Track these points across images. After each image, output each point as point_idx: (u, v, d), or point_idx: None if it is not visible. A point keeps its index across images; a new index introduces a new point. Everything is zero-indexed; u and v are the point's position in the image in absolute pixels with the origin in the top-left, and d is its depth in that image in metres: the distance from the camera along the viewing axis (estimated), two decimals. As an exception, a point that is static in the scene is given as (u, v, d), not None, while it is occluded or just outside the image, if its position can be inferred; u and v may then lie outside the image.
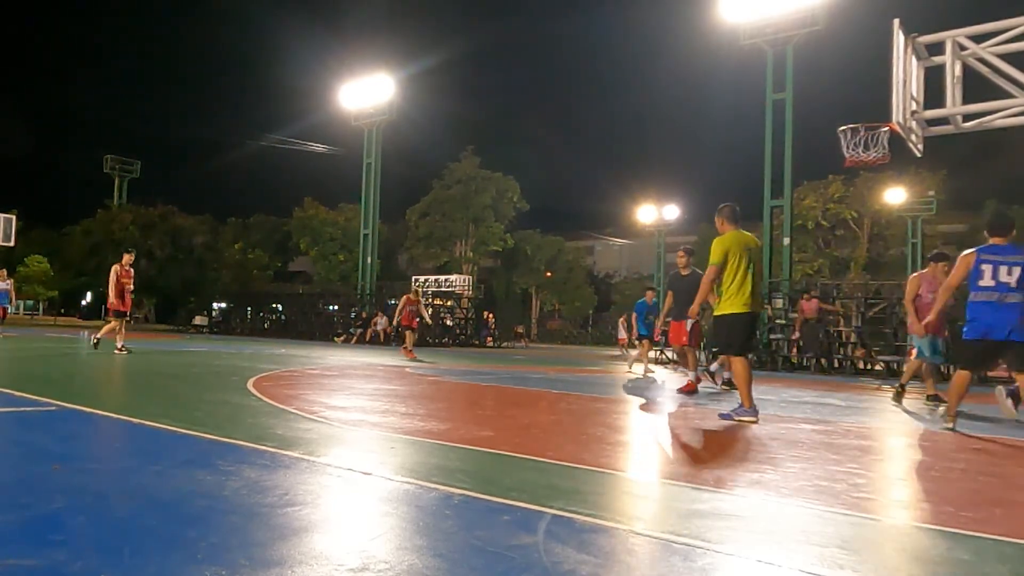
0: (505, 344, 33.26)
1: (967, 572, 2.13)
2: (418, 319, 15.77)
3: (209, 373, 8.52)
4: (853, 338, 17.56)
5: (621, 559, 2.09)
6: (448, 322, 30.17)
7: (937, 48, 8.90)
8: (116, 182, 47.75)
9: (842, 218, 43.80)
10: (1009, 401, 5.71)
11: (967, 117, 8.87)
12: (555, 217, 65.88)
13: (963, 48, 8.58)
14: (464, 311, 30.88)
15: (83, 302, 58.91)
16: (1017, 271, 5.32)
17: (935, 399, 7.95)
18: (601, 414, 6.03)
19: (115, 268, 11.42)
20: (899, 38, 8.82)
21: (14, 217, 24.41)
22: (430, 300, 30.96)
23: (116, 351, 10.88)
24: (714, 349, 6.09)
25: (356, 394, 6.75)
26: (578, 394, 7.85)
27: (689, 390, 8.22)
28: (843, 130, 10.19)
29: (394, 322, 16.70)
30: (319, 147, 52.44)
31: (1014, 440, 5.33)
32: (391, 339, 24.87)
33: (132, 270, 11.67)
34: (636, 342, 14.26)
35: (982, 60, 8.49)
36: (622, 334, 29.69)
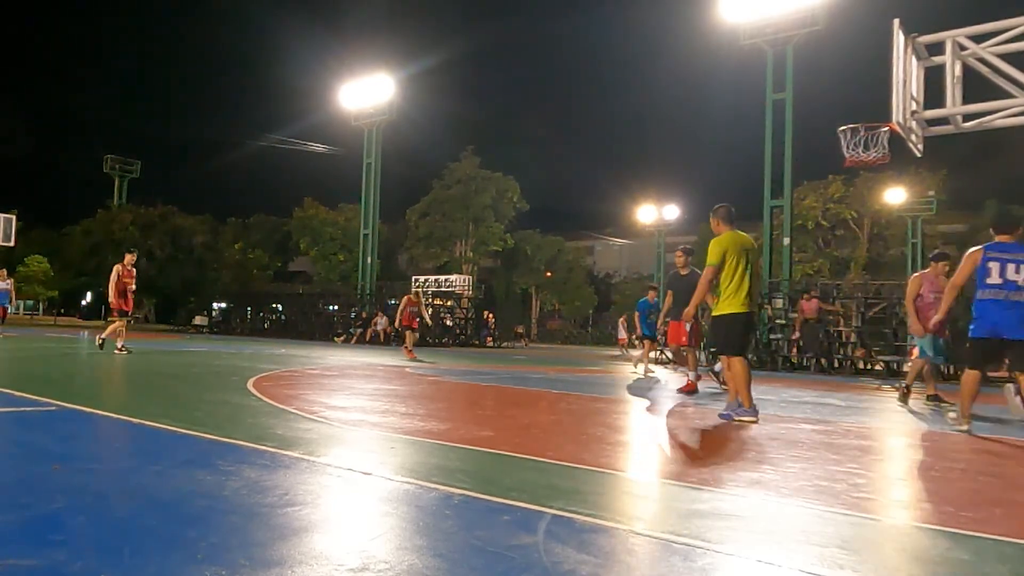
0: (505, 344, 33.26)
1: (967, 572, 2.14)
2: (418, 319, 15.77)
3: (209, 373, 8.52)
4: (853, 338, 17.56)
5: (621, 559, 2.09)
6: (448, 322, 30.17)
7: (937, 48, 8.89)
8: (116, 182, 47.74)
9: (842, 218, 43.79)
10: (1018, 399, 5.69)
11: (967, 117, 8.87)
12: (555, 217, 65.85)
13: (963, 48, 8.58)
14: (464, 311, 30.88)
15: (83, 302, 58.93)
16: None
17: (935, 399, 7.95)
18: (601, 414, 6.03)
19: (117, 268, 11.47)
20: (899, 38, 8.82)
21: (14, 217, 24.41)
22: (430, 300, 30.98)
23: (116, 351, 10.89)
24: (712, 349, 6.07)
25: (356, 394, 6.75)
26: (578, 394, 7.85)
27: (689, 390, 8.22)
28: (843, 130, 10.19)
29: (395, 323, 16.69)
30: (319, 147, 52.45)
31: (1015, 440, 5.33)
32: (391, 339, 24.87)
33: (134, 270, 11.70)
34: (637, 342, 14.27)
35: (982, 60, 8.49)
36: (622, 334, 29.70)
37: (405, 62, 45.47)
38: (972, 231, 48.35)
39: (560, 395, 7.57)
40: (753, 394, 5.75)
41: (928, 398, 8.05)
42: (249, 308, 34.44)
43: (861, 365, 17.45)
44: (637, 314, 12.86)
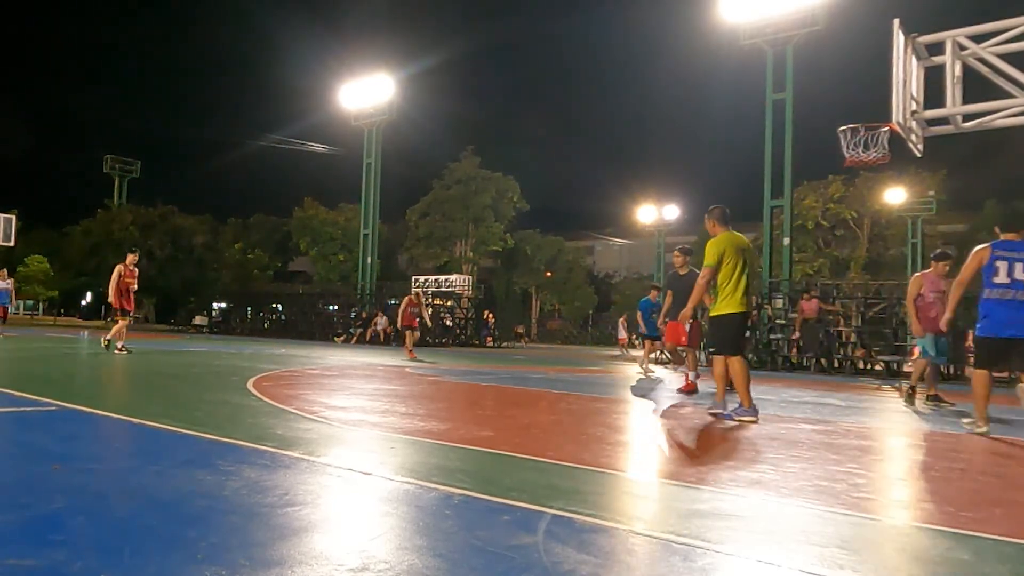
0: (505, 344, 33.27)
1: (967, 572, 2.13)
2: (419, 320, 15.77)
3: (209, 373, 8.52)
4: (853, 338, 17.57)
5: (621, 559, 2.09)
6: (448, 322, 30.18)
7: (937, 48, 8.89)
8: (116, 182, 47.73)
9: (842, 218, 43.79)
10: None
11: (967, 117, 8.87)
12: (555, 217, 65.93)
13: (963, 48, 8.58)
14: (464, 311, 30.89)
15: (83, 302, 58.94)
16: None
17: (936, 399, 7.95)
18: (601, 414, 6.03)
19: (119, 268, 11.51)
20: (899, 38, 8.82)
21: (14, 217, 24.41)
22: (430, 300, 30.99)
23: (116, 351, 10.89)
24: (711, 349, 6.08)
25: (356, 394, 6.75)
26: (578, 394, 7.85)
27: (689, 390, 8.22)
28: (843, 130, 10.18)
29: (396, 323, 16.68)
30: (319, 147, 52.46)
31: (1014, 440, 5.33)
32: (391, 339, 24.87)
33: (136, 270, 11.73)
34: (637, 341, 14.28)
35: (982, 60, 8.49)
36: (622, 334, 29.70)
37: (405, 62, 45.46)
38: (972, 231, 48.40)
39: (560, 395, 7.57)
40: (753, 394, 5.75)
41: (928, 398, 8.05)
42: (249, 308, 34.45)
43: (861, 365, 17.45)
44: (640, 313, 12.87)
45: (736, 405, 5.71)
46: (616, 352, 28.47)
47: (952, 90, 8.60)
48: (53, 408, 4.73)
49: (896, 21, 8.81)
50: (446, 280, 33.81)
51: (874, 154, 9.83)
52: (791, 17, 19.71)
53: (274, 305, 34.43)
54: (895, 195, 41.23)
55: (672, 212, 44.17)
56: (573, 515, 2.48)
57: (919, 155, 9.45)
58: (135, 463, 3.23)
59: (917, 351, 8.44)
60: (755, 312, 18.19)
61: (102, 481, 2.77)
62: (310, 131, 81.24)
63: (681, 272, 9.18)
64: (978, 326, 5.49)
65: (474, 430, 4.59)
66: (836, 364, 17.14)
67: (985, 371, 5.48)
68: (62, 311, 55.09)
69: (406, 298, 16.05)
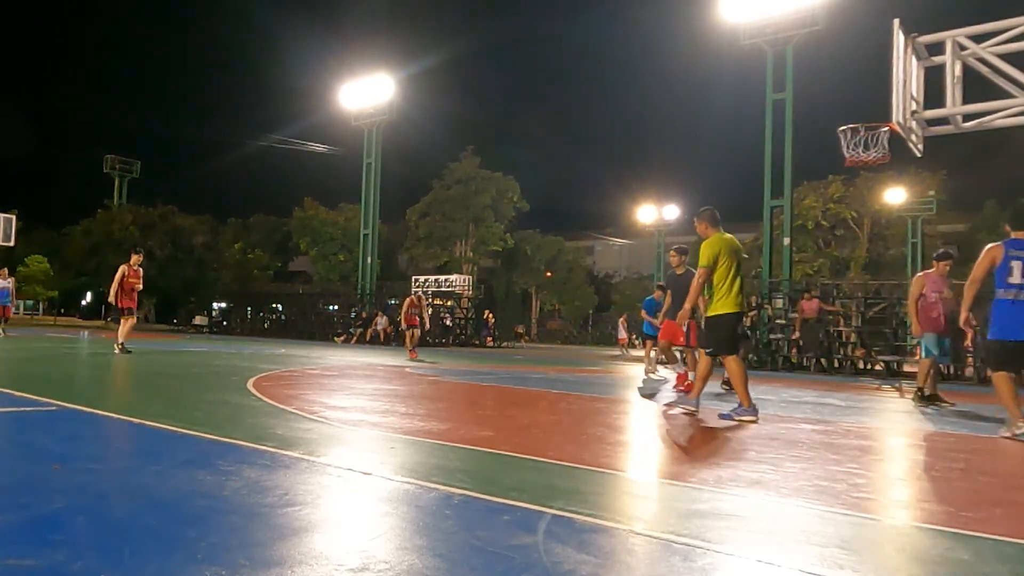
0: (505, 344, 33.27)
1: (967, 572, 2.13)
2: (419, 319, 15.79)
3: (209, 373, 8.52)
4: (853, 338, 17.57)
5: (621, 559, 2.09)
6: (448, 322, 30.19)
7: (937, 48, 8.90)
8: (116, 182, 47.72)
9: (842, 218, 43.77)
10: None
11: (967, 117, 8.87)
12: (555, 217, 65.96)
13: (963, 48, 8.58)
14: (464, 311, 30.90)
15: (83, 302, 58.92)
16: None
17: (935, 399, 7.94)
18: (601, 414, 6.03)
19: (123, 268, 11.55)
20: (899, 38, 8.82)
21: (14, 217, 24.41)
22: (430, 300, 30.99)
23: (116, 350, 10.90)
24: (708, 350, 6.09)
25: (356, 394, 6.75)
26: (578, 394, 7.85)
27: (688, 390, 8.21)
28: (843, 130, 10.19)
29: (402, 325, 16.66)
30: (319, 147, 52.48)
31: (1014, 440, 5.33)
32: (391, 339, 24.88)
33: (140, 270, 11.76)
34: (637, 341, 14.27)
35: (982, 60, 8.49)
36: (622, 334, 29.70)
37: (405, 62, 45.55)
38: (972, 231, 48.41)
39: (560, 395, 7.57)
40: (753, 394, 5.75)
41: (925, 397, 8.04)
42: (249, 308, 34.45)
43: (861, 365, 17.45)
44: (644, 312, 12.86)
45: (736, 405, 5.72)
46: (616, 352, 28.47)
47: (952, 90, 8.60)
48: (53, 408, 4.73)
49: (896, 21, 8.82)
50: (446, 280, 33.81)
51: (874, 154, 9.83)
52: (791, 17, 19.71)
53: (274, 305, 34.44)
54: (895, 195, 41.22)
55: (672, 212, 44.15)
56: (573, 515, 2.48)
57: (919, 155, 9.46)
58: (135, 463, 3.23)
59: (920, 350, 8.42)
60: (754, 312, 18.24)
61: (102, 481, 2.77)
62: (310, 131, 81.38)
63: (678, 272, 9.19)
64: (991, 329, 5.35)
65: (474, 430, 4.59)
66: (836, 364, 17.13)
67: (1004, 372, 5.34)
68: (62, 311, 55.08)
69: (408, 299, 16.08)
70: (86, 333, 21.75)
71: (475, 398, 7.23)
